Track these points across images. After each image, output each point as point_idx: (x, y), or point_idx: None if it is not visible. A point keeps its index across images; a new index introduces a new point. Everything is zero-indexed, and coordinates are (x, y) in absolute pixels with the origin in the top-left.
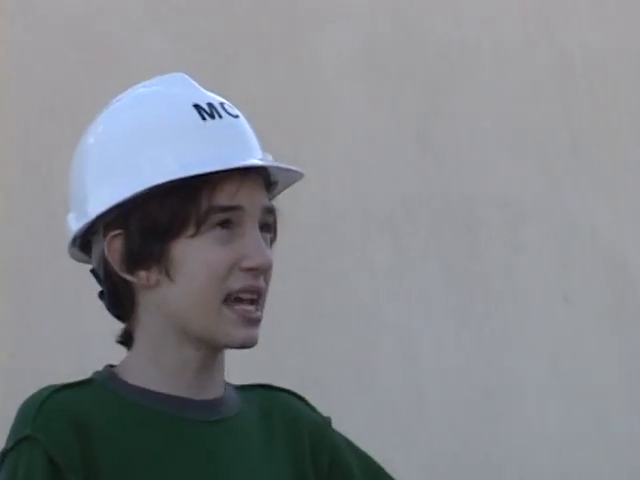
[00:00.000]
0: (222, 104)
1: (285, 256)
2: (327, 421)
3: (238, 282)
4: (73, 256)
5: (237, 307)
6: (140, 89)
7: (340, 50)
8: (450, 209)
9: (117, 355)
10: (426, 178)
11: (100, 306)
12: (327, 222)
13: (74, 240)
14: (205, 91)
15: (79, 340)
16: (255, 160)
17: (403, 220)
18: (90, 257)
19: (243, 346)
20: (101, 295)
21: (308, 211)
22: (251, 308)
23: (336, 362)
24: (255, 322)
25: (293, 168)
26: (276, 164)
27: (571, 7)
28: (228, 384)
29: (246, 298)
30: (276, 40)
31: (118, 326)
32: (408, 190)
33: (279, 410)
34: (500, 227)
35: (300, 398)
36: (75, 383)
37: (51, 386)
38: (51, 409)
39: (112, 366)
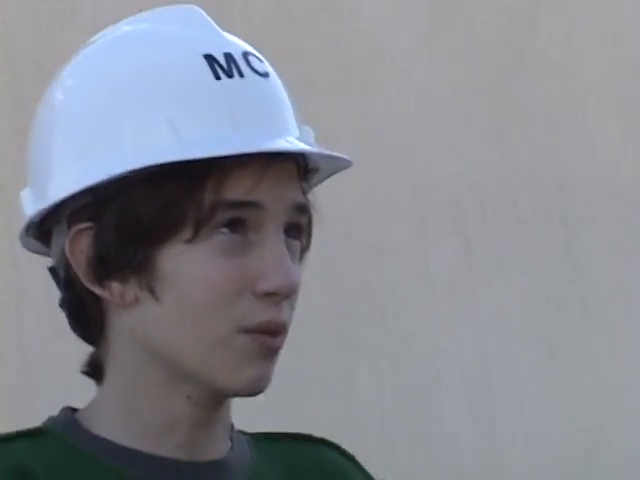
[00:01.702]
0: (246, 55)
1: (310, 263)
2: None
3: (252, 314)
4: (26, 245)
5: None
6: (126, 27)
7: None
8: (538, 201)
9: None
10: (505, 158)
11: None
12: (369, 218)
13: (28, 227)
14: (224, 34)
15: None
16: (285, 142)
17: (474, 217)
18: (49, 249)
19: (249, 392)
20: (62, 304)
21: (344, 203)
22: (270, 338)
23: (382, 409)
24: (274, 351)
25: (337, 155)
26: (315, 150)
27: None
28: (239, 434)
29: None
30: None
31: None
32: (480, 175)
33: (316, 472)
34: (606, 225)
35: (347, 455)
36: (21, 432)
37: None
38: None
39: (73, 410)
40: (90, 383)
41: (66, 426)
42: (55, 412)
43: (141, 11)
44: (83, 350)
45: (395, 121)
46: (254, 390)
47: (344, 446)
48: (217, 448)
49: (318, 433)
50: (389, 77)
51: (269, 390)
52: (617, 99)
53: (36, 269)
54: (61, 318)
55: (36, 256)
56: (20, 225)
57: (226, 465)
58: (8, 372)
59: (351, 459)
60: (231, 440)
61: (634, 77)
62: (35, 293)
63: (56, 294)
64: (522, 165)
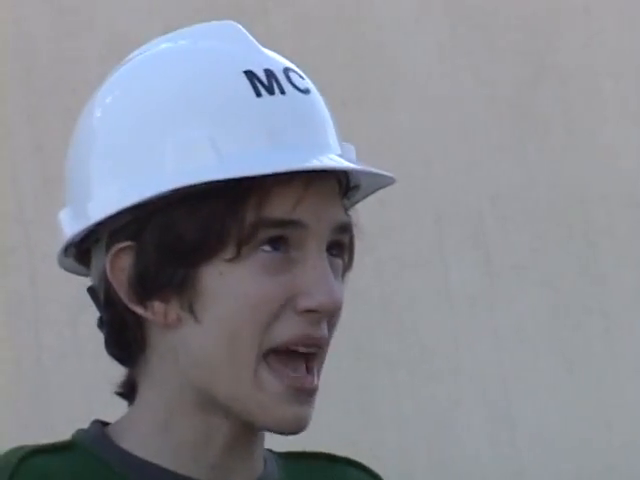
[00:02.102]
0: (287, 71)
1: None
2: None
3: (287, 329)
4: (63, 265)
5: (282, 370)
6: (164, 44)
7: None
8: (558, 214)
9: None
10: (524, 169)
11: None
12: (387, 228)
13: (67, 247)
14: (264, 50)
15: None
16: (327, 160)
17: (494, 230)
18: (88, 269)
19: (286, 431)
20: (100, 324)
21: (363, 217)
22: (303, 373)
23: (400, 425)
24: (308, 393)
25: (381, 172)
26: (358, 167)
27: None
28: (268, 454)
29: (298, 351)
30: None
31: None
32: (499, 186)
33: None
34: (628, 233)
35: (371, 473)
36: (50, 446)
37: (20, 448)
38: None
39: (104, 424)
40: (108, 401)
41: (96, 440)
42: (72, 429)
43: (162, 27)
44: (99, 368)
45: (414, 135)
46: (290, 431)
47: (362, 460)
48: (250, 470)
49: (336, 446)
50: (408, 91)
51: None
52: (637, 111)
53: (54, 285)
54: (79, 335)
55: (54, 273)
56: (57, 245)
57: None
58: (26, 388)
59: (376, 477)
60: (264, 460)
61: None
62: (53, 310)
63: (74, 311)
64: (542, 178)
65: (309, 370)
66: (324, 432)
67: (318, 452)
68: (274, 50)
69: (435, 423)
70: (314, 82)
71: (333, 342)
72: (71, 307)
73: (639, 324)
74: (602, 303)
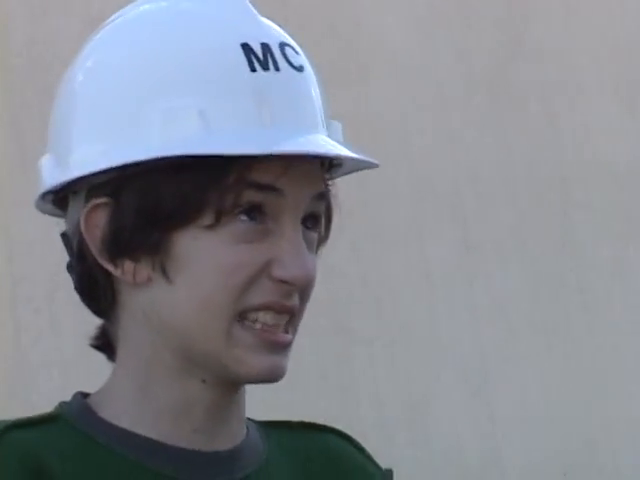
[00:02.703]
0: (282, 46)
1: None
2: (388, 476)
3: (260, 295)
4: (40, 208)
5: (256, 325)
6: (161, 2)
7: None
8: (538, 188)
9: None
10: (502, 144)
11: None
12: (367, 206)
13: (44, 193)
14: (263, 21)
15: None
16: (314, 142)
17: (472, 205)
18: (64, 213)
19: (264, 379)
20: (70, 269)
21: (340, 193)
22: (275, 324)
23: (379, 402)
24: (282, 346)
25: (365, 159)
26: (342, 154)
27: None
28: (250, 422)
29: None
30: None
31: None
32: (477, 162)
33: (324, 459)
34: (605, 212)
35: (352, 442)
36: (34, 419)
37: (1, 422)
38: (2, 454)
39: (85, 395)
40: (86, 377)
41: (79, 412)
42: (51, 406)
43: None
44: (79, 344)
45: (392, 111)
46: (268, 378)
47: None
48: (233, 434)
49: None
50: (386, 65)
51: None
52: (615, 84)
53: (31, 263)
54: (57, 312)
55: (31, 250)
56: (36, 189)
57: (243, 453)
58: (5, 366)
59: (357, 445)
60: (246, 427)
61: (630, 62)
62: (30, 287)
63: (50, 288)
64: (520, 152)
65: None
66: (302, 408)
67: (300, 421)
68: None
69: (413, 399)
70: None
71: (311, 319)
72: (48, 283)
73: (617, 299)
74: (580, 277)
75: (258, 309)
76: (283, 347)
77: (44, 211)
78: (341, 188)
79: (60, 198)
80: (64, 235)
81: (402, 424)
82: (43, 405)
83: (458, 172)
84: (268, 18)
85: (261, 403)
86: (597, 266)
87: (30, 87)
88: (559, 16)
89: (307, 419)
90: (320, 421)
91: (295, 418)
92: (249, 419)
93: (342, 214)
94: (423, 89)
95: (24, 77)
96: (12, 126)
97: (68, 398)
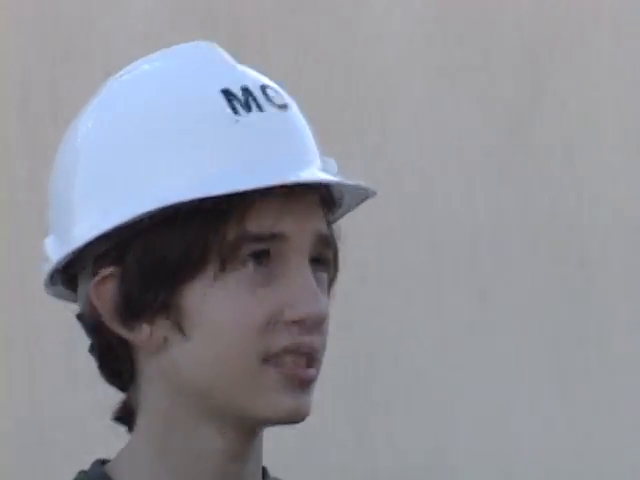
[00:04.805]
0: (264, 88)
1: None
2: None
3: (280, 340)
4: (49, 292)
5: (279, 367)
6: (143, 66)
7: (404, 14)
8: (557, 238)
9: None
10: (522, 194)
11: None
12: (382, 255)
13: (53, 274)
14: (240, 67)
15: None
16: (306, 174)
17: (487, 254)
18: (75, 294)
19: (291, 420)
20: (91, 350)
21: (353, 239)
22: (301, 363)
23: (395, 452)
24: (307, 383)
25: (361, 185)
26: (335, 180)
27: None
28: (267, 477)
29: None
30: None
31: None
32: (495, 210)
33: None
34: (625, 268)
35: None
36: None
37: None
38: None
39: (104, 462)
40: (104, 430)
41: None
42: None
43: (155, 48)
44: (96, 398)
45: (411, 158)
46: (294, 419)
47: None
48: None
49: (329, 471)
50: (405, 114)
51: (278, 429)
52: (636, 135)
53: (49, 315)
54: (74, 364)
55: (49, 301)
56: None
57: None
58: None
59: None
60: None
61: None
62: (47, 339)
63: (69, 338)
64: (540, 203)
65: (307, 365)
66: (316, 458)
67: None
68: (271, 76)
69: (430, 447)
70: (312, 101)
71: (329, 372)
72: (66, 333)
73: (637, 353)
74: (599, 330)
75: (278, 354)
76: (308, 384)
77: (55, 294)
78: (359, 241)
79: (69, 279)
80: (79, 315)
81: (420, 472)
82: (58, 461)
83: (475, 219)
84: (293, 72)
85: (271, 453)
86: (616, 318)
87: (52, 139)
88: (580, 66)
89: (321, 472)
90: (334, 471)
91: (308, 466)
92: (266, 475)
93: (362, 270)
94: (443, 138)
95: (46, 129)
96: (33, 177)
97: (86, 452)
